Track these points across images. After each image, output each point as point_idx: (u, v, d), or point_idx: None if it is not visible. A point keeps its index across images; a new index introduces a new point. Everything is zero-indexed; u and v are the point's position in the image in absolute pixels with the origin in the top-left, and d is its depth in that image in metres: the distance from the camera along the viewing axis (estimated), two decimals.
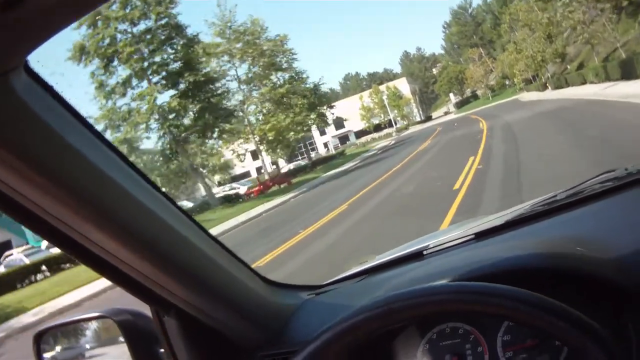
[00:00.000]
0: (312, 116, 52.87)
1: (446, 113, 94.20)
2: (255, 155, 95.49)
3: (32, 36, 0.64)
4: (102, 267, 0.92)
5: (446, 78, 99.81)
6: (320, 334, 0.88)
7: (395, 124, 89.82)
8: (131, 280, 0.96)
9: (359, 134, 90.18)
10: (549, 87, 49.80)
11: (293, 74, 53.09)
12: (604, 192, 1.28)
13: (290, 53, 52.07)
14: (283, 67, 51.63)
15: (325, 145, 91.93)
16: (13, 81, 0.69)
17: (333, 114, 60.53)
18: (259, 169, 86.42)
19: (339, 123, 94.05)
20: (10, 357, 11.27)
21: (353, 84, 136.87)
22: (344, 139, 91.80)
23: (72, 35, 32.54)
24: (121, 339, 1.23)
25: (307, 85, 54.32)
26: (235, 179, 74.58)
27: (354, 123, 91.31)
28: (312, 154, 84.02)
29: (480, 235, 1.36)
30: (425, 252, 1.42)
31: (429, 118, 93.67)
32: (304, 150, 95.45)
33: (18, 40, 0.63)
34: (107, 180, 0.84)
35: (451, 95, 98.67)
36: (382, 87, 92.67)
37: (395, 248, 1.70)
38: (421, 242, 1.53)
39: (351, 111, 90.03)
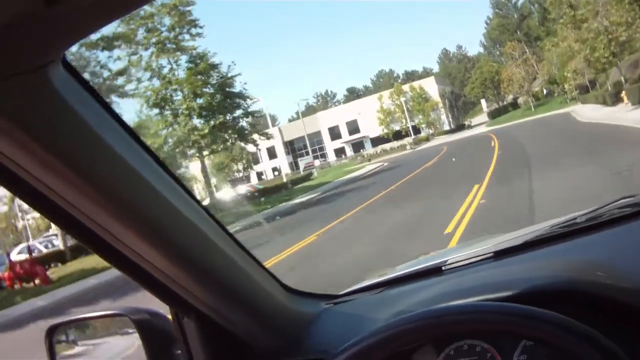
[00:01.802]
0: (205, 130, 32.90)
1: (468, 126, 75.34)
2: (272, 153, 75.03)
3: (71, 32, 0.66)
4: (128, 267, 1.00)
5: (479, 79, 79.18)
6: (360, 340, 0.94)
7: (419, 131, 70.37)
8: (155, 281, 1.03)
9: (376, 141, 75.77)
10: (626, 100, 28.00)
11: (191, 59, 33.85)
12: (623, 217, 1.33)
13: (188, 24, 33.27)
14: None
15: (339, 152, 73.02)
16: (50, 74, 0.71)
17: (255, 125, 39.55)
18: (274, 169, 67.33)
19: (353, 128, 74.63)
20: None
21: (385, 82, 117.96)
22: (358, 145, 75.45)
23: None
24: (131, 330, 1.27)
25: (211, 79, 34.62)
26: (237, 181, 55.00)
27: (372, 128, 71.80)
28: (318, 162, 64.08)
29: (499, 254, 1.41)
30: (444, 268, 1.46)
31: (460, 127, 74.40)
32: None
33: (58, 34, 0.64)
34: (137, 179, 0.87)
35: (483, 101, 77.69)
36: (406, 87, 72.80)
37: (413, 261, 1.74)
38: (440, 257, 1.58)
39: (369, 113, 70.36)
